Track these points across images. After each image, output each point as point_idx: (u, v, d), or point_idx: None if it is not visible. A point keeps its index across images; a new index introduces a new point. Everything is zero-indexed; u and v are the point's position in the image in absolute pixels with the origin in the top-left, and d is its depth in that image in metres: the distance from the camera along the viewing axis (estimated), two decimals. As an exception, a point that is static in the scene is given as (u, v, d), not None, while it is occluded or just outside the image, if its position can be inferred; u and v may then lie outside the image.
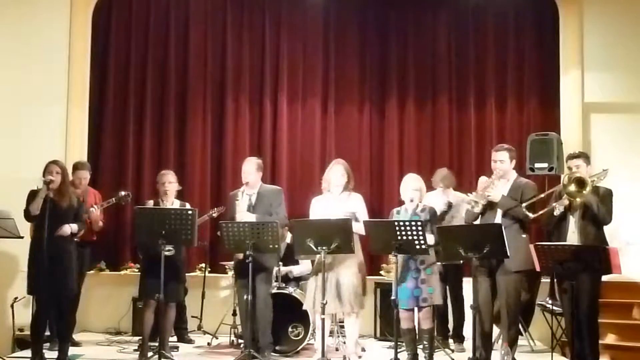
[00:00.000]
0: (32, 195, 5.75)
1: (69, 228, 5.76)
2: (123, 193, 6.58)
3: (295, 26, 8.30)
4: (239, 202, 6.05)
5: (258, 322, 5.98)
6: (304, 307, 6.00)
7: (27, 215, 5.77)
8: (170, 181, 6.27)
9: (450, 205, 6.63)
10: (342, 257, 5.69)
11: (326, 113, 8.22)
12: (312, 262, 6.11)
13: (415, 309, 5.67)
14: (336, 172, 5.95)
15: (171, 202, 6.24)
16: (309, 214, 6.03)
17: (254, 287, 5.86)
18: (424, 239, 5.31)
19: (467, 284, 6.74)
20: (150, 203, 6.27)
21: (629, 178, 7.45)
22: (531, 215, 5.63)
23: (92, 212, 6.51)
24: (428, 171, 7.21)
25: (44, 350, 5.81)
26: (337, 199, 5.93)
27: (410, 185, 5.79)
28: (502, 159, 5.76)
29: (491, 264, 5.58)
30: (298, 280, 6.94)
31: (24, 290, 5.83)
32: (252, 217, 5.95)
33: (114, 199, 6.69)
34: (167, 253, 5.72)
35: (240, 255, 5.93)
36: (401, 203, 5.92)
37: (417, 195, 5.74)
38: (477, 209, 5.69)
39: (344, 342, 6.21)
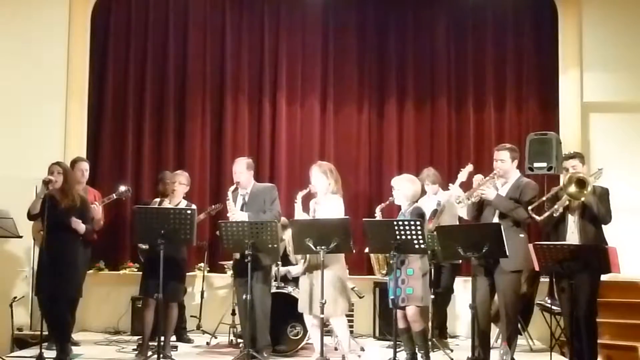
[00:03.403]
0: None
1: (83, 226, 5.78)
2: (123, 188, 6.56)
3: (294, 26, 8.29)
4: (229, 202, 6.07)
5: (256, 321, 5.95)
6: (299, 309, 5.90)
7: (28, 214, 5.87)
8: (180, 182, 6.34)
9: (438, 204, 6.65)
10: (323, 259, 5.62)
11: (325, 113, 8.21)
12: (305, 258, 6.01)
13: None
14: (312, 176, 5.92)
15: (176, 202, 6.26)
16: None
17: (252, 287, 5.83)
18: (423, 239, 5.31)
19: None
20: (156, 202, 6.29)
21: (628, 177, 7.46)
22: (538, 217, 5.55)
23: (94, 209, 6.40)
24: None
25: (43, 350, 5.78)
26: (318, 201, 5.89)
27: (393, 185, 5.83)
28: (502, 159, 5.75)
29: (489, 263, 5.58)
30: (297, 281, 6.92)
31: (23, 289, 5.83)
32: (244, 216, 5.96)
33: (114, 194, 6.67)
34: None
35: (237, 255, 5.93)
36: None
37: (397, 195, 5.75)
38: (462, 206, 5.78)
39: (343, 342, 6.21)
